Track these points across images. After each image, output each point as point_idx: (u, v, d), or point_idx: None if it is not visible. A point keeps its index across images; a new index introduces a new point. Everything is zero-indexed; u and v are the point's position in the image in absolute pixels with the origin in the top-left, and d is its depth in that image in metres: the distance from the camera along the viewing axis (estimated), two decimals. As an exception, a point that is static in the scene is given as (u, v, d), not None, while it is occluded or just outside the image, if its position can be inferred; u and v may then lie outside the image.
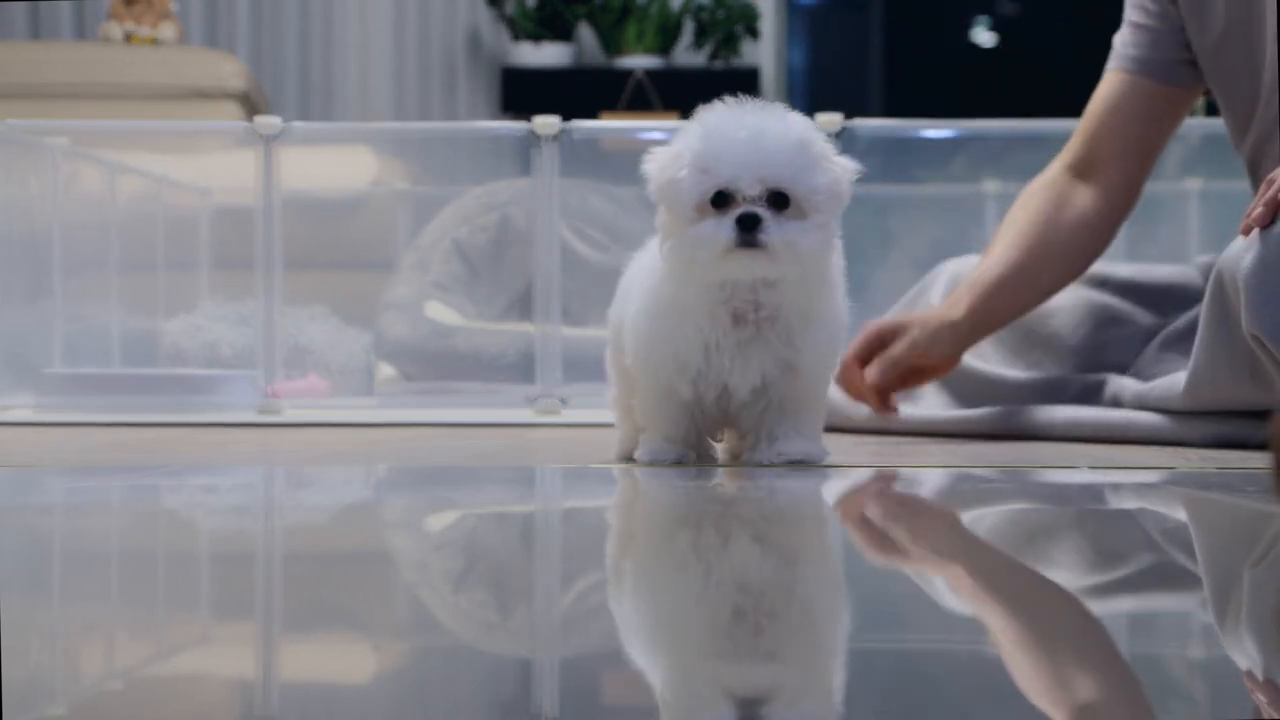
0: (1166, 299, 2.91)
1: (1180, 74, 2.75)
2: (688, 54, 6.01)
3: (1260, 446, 2.46)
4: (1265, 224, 2.30)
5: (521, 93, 5.87)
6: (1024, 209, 2.84)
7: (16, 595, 1.38)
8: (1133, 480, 2.19)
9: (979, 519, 1.94)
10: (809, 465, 2.20)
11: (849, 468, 2.28)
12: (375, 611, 1.36)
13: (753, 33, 5.92)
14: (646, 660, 1.17)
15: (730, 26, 5.87)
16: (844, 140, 3.28)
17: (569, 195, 3.61)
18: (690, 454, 2.24)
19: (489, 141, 4.04)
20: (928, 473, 2.29)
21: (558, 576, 1.55)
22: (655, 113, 5.67)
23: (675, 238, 2.13)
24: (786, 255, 2.10)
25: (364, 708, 1.05)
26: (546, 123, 3.44)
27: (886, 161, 3.62)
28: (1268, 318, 2.29)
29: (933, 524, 1.94)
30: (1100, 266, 2.92)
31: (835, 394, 2.79)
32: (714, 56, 5.91)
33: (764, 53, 6.08)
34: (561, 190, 3.49)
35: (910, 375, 2.82)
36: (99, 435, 3.00)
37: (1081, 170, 2.82)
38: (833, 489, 2.11)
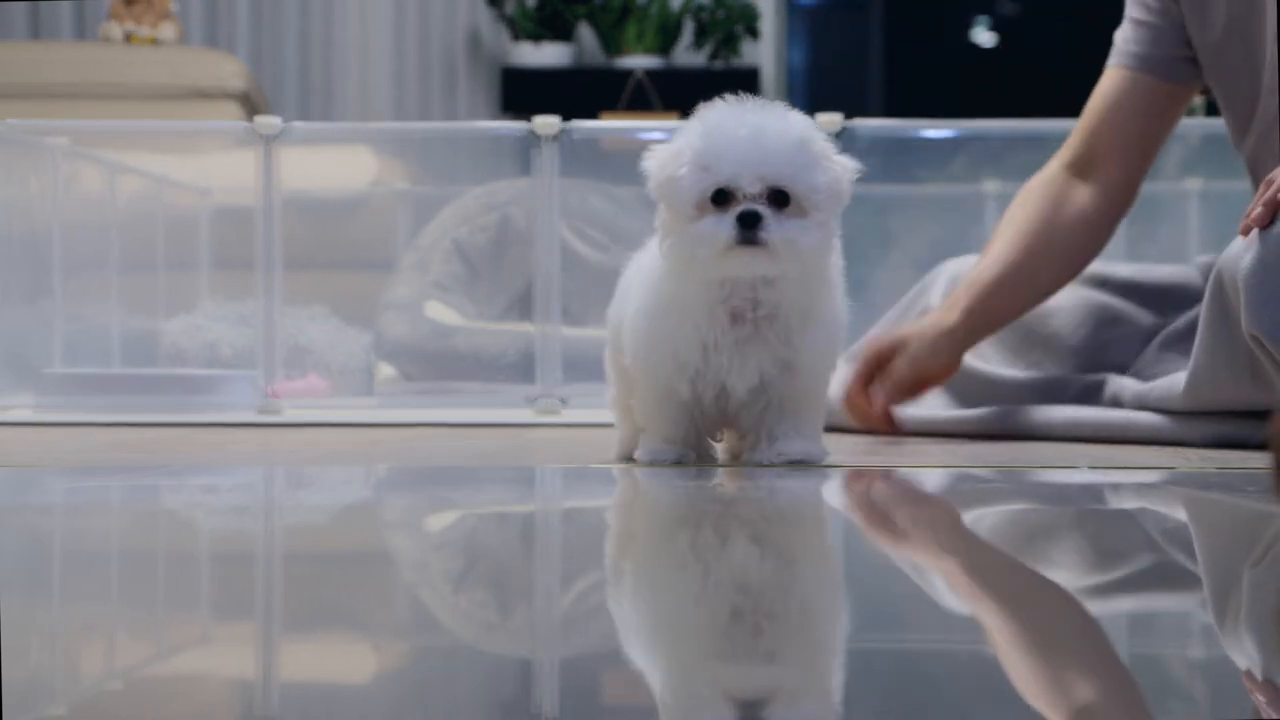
0: (1166, 299, 2.91)
1: (1181, 71, 2.75)
2: (688, 54, 6.01)
3: (1260, 446, 2.46)
4: (1264, 224, 2.30)
5: (521, 93, 5.87)
6: (1022, 207, 2.84)
7: (16, 595, 1.38)
8: (1133, 480, 2.19)
9: (979, 519, 1.94)
10: (809, 465, 2.20)
11: (849, 468, 2.28)
12: (375, 611, 1.36)
13: (753, 33, 5.92)
14: (646, 660, 1.17)
15: (730, 26, 5.87)
16: (844, 140, 3.28)
17: (569, 195, 3.61)
18: (690, 454, 2.24)
19: (489, 141, 4.04)
20: (928, 473, 2.29)
21: (558, 576, 1.55)
22: (655, 113, 5.67)
23: (675, 235, 2.13)
24: (787, 253, 2.10)
25: (364, 708, 1.05)
26: (546, 123, 3.44)
27: (886, 161, 3.62)
28: (1267, 318, 2.29)
29: (933, 524, 1.94)
30: (1100, 266, 2.92)
31: (835, 394, 2.78)
32: (714, 56, 5.91)
33: (764, 53, 6.08)
34: (561, 190, 3.49)
35: (914, 387, 2.81)
36: (99, 435, 3.00)
37: (1080, 168, 2.82)
38: (833, 489, 2.11)
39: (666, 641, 1.23)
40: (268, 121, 3.47)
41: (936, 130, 3.63)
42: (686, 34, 5.99)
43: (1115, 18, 2.81)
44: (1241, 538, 1.78)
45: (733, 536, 1.73)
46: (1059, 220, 2.80)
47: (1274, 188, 2.30)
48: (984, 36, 7.07)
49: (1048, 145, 2.94)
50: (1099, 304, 2.93)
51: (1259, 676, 1.10)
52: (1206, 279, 2.57)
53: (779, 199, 2.10)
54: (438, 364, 3.77)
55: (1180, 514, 1.98)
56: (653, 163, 2.15)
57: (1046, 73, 6.45)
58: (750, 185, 2.09)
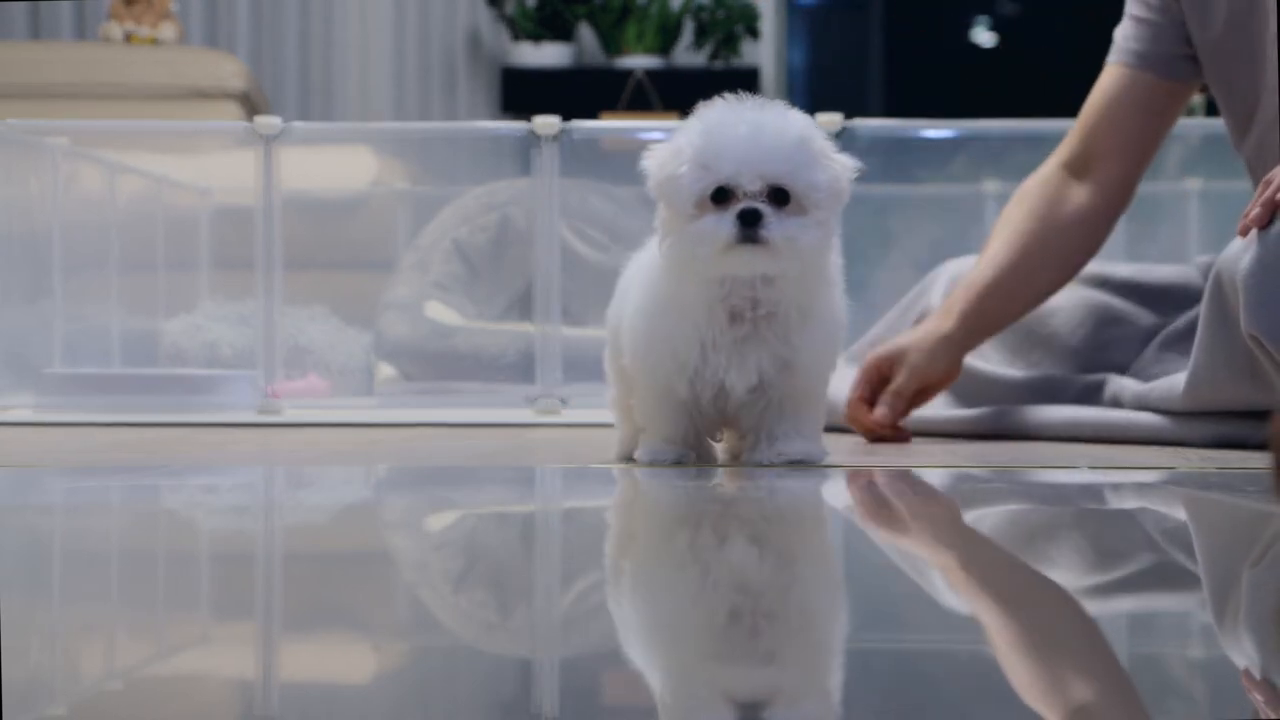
0: (1166, 299, 2.91)
1: (1181, 69, 2.75)
2: (688, 54, 6.01)
3: (1260, 446, 2.46)
4: (1263, 224, 2.30)
5: (521, 93, 5.87)
6: (1018, 208, 2.84)
7: (16, 595, 1.38)
8: (1133, 480, 2.19)
9: (979, 519, 1.94)
10: (809, 465, 2.20)
11: (849, 468, 2.28)
12: (375, 611, 1.36)
13: (753, 33, 5.92)
14: (646, 661, 1.17)
15: (730, 26, 5.87)
16: (844, 140, 3.28)
17: (569, 195, 3.61)
18: (690, 454, 2.24)
19: (489, 141, 4.04)
20: (928, 473, 2.29)
21: (558, 576, 1.55)
22: (655, 113, 5.67)
23: (675, 234, 2.13)
24: (787, 251, 2.10)
25: (364, 708, 1.05)
26: (546, 123, 3.44)
27: (886, 161, 3.62)
28: (1266, 318, 2.29)
29: (933, 524, 1.94)
30: (1100, 266, 2.92)
31: (835, 394, 2.78)
32: (714, 56, 5.92)
33: (764, 53, 6.08)
34: (561, 190, 3.49)
35: (917, 397, 2.80)
36: (99, 435, 3.00)
37: (1077, 168, 2.82)
38: (833, 489, 2.11)
39: (666, 642, 1.23)
40: (268, 121, 3.47)
41: (936, 130, 3.63)
42: (686, 34, 5.99)
43: (1115, 17, 2.81)
44: (1241, 538, 1.78)
45: (732, 536, 1.73)
46: (1055, 220, 2.80)
47: (1272, 188, 2.30)
48: (984, 36, 7.07)
49: (1048, 145, 2.94)
50: (1099, 304, 2.93)
51: (1258, 676, 1.10)
52: (1206, 279, 2.57)
53: (779, 197, 2.10)
54: (438, 364, 3.77)
55: (1180, 514, 1.98)
56: (652, 162, 2.15)
57: (1046, 73, 6.45)
58: (750, 183, 2.09)
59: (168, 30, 5.12)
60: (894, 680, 1.10)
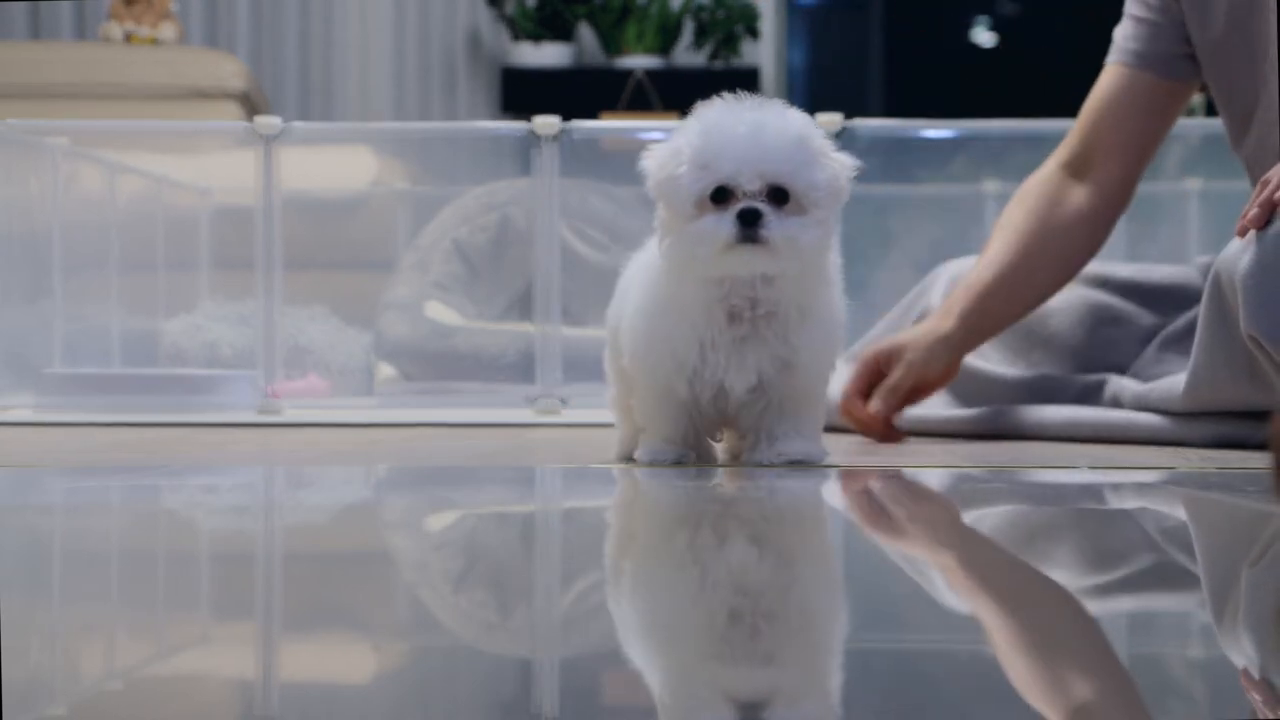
0: (1166, 299, 2.91)
1: (1180, 68, 2.75)
2: (688, 54, 6.01)
3: (1260, 446, 2.46)
4: (1261, 225, 2.30)
5: (521, 93, 5.87)
6: (1018, 208, 2.84)
7: (16, 595, 1.38)
8: (1133, 480, 2.20)
9: (979, 519, 1.94)
10: (809, 465, 2.20)
11: (849, 468, 2.28)
12: (375, 611, 1.36)
13: (753, 33, 5.92)
14: (646, 661, 1.17)
15: (730, 26, 5.87)
16: (844, 140, 3.28)
17: (569, 195, 3.61)
18: (690, 454, 2.24)
19: (489, 141, 4.04)
20: (928, 473, 2.29)
21: (558, 576, 1.55)
22: (655, 113, 5.67)
23: (674, 234, 2.13)
24: (787, 251, 2.09)
25: (364, 708, 1.05)
26: (546, 123, 3.44)
27: (886, 161, 3.62)
28: (1265, 318, 2.29)
29: (932, 524, 1.94)
30: (1100, 266, 2.92)
31: (835, 394, 2.78)
32: (714, 56, 5.92)
33: (764, 53, 6.08)
34: (561, 190, 3.49)
35: (912, 394, 2.80)
36: (99, 435, 3.00)
37: (1077, 168, 2.82)
38: (833, 489, 2.11)
39: (666, 642, 1.23)
40: (268, 121, 3.47)
41: (936, 130, 3.63)
42: (686, 34, 5.99)
43: (1115, 17, 2.81)
44: (1241, 538, 1.78)
45: (732, 536, 1.73)
46: (1055, 221, 2.80)
47: (1270, 188, 2.30)
48: (984, 36, 7.07)
49: (1048, 145, 2.94)
50: (1099, 304, 2.93)
51: (1257, 676, 1.10)
52: (1206, 279, 2.57)
53: (778, 196, 2.10)
54: (438, 364, 3.77)
55: (1180, 514, 1.98)
56: (651, 161, 2.15)
57: (1046, 73, 6.45)
58: (750, 183, 2.09)
59: (168, 30, 5.12)
60: (894, 680, 1.10)
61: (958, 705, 1.05)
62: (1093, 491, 2.12)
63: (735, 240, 2.09)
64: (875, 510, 2.06)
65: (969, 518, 1.94)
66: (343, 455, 2.60)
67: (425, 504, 2.11)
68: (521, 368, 3.61)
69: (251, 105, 4.78)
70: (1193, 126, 3.69)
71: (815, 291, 2.18)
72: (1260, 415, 2.49)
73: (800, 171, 2.10)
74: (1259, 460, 2.33)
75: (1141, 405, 2.72)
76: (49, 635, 1.25)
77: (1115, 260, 3.10)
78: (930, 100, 6.78)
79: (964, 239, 3.66)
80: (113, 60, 4.82)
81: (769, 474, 2.15)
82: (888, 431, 2.78)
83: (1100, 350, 2.91)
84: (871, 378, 2.79)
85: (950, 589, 1.47)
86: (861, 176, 2.18)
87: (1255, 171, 2.71)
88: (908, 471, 2.30)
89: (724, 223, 2.09)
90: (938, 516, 2.01)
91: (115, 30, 5.09)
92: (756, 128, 2.10)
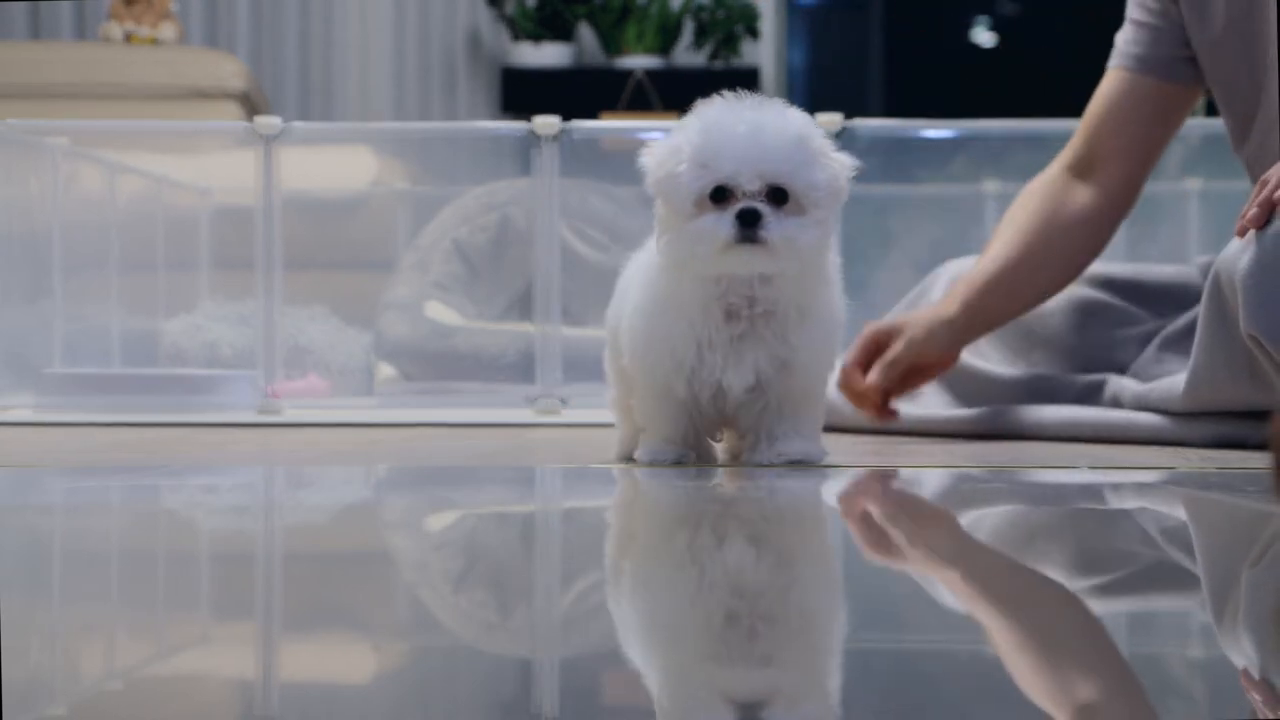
0: (1166, 299, 2.91)
1: (1182, 71, 2.75)
2: (688, 54, 6.01)
3: (1260, 446, 2.46)
4: (1260, 225, 2.30)
5: (521, 93, 5.87)
6: (1023, 208, 2.84)
7: (16, 595, 1.38)
8: (1133, 480, 2.20)
9: (979, 519, 1.94)
10: (809, 465, 2.20)
11: (849, 468, 2.28)
12: (375, 611, 1.36)
13: (753, 33, 5.92)
14: (645, 661, 1.17)
15: (730, 26, 5.87)
16: (844, 140, 3.28)
17: (569, 195, 3.61)
18: (690, 454, 2.24)
19: (489, 141, 4.04)
20: (928, 473, 2.29)
21: (558, 576, 1.55)
22: (655, 113, 5.67)
23: (673, 233, 2.13)
24: (786, 251, 2.09)
25: (364, 708, 1.05)
26: (546, 123, 3.44)
27: (886, 161, 3.62)
28: (1265, 318, 2.29)
29: (932, 524, 1.94)
30: (1100, 266, 2.92)
31: (835, 394, 2.79)
32: (714, 56, 5.92)
33: (764, 53, 6.08)
34: (561, 190, 3.49)
35: (910, 375, 2.82)
36: (99, 435, 3.00)
37: (1081, 170, 2.82)
38: (833, 489, 2.11)
39: (666, 642, 1.23)
40: (268, 121, 3.47)
41: (936, 130, 3.63)
42: (686, 34, 5.99)
43: (1115, 18, 2.81)
44: (1241, 538, 1.78)
45: (732, 537, 1.73)
46: (1058, 221, 2.80)
47: (1269, 188, 2.30)
48: (984, 36, 7.07)
49: (1048, 145, 2.94)
50: (1099, 304, 2.93)
51: (1257, 676, 1.10)
52: (1206, 279, 2.57)
53: (778, 196, 2.10)
54: (438, 364, 3.77)
55: (1180, 514, 1.98)
56: (650, 159, 2.15)
57: (1046, 73, 6.45)
58: (749, 183, 2.09)
59: (168, 30, 5.12)
60: (894, 680, 1.10)
61: (958, 705, 1.05)
62: (1093, 491, 2.12)
63: (734, 240, 2.09)
64: (875, 511, 2.06)
65: (969, 518, 1.94)
66: (343, 455, 2.60)
67: (425, 504, 2.11)
68: (521, 368, 3.61)
69: (251, 105, 4.78)
70: (1193, 127, 3.69)
71: (814, 291, 2.18)
72: (1260, 415, 2.49)
73: (800, 171, 2.10)
74: (1259, 460, 2.33)
75: (1141, 405, 2.72)
76: (49, 635, 1.25)
77: (1115, 260, 3.10)
78: (930, 100, 6.78)
79: (964, 239, 3.66)
80: (113, 60, 4.82)
81: (769, 474, 2.15)
82: (883, 407, 2.79)
83: (1100, 350, 2.91)
84: (871, 353, 2.81)
85: (950, 589, 1.47)
86: (861, 176, 2.18)
87: (1256, 172, 2.70)
88: (908, 471, 2.30)
89: (723, 222, 2.09)
90: (938, 516, 2.01)
91: (115, 30, 5.09)
92: (756, 127, 2.10)
